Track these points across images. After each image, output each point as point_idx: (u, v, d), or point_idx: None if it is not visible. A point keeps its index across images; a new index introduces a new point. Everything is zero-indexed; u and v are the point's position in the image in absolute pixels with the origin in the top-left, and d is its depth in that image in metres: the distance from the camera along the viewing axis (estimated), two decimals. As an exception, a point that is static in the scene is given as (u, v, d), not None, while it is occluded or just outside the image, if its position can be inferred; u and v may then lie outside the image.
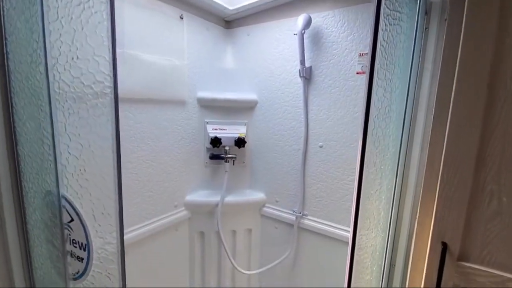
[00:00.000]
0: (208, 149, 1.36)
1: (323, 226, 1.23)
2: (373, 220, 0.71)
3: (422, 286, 0.75)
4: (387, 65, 0.62)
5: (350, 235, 0.66)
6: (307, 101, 1.21)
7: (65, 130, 0.57)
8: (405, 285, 0.85)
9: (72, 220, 0.61)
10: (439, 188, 0.69)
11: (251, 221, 1.45)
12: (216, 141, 1.29)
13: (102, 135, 0.51)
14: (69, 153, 0.58)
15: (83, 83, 0.53)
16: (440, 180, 0.69)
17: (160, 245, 1.23)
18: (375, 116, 0.61)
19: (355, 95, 1.08)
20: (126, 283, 1.10)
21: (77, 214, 0.60)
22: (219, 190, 1.35)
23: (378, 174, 0.69)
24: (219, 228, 1.31)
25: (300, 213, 1.29)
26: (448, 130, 0.67)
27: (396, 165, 0.71)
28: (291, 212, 1.33)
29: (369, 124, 0.58)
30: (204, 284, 1.45)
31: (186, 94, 1.25)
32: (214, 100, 1.33)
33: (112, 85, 0.49)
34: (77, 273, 0.64)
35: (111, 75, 0.49)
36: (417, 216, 0.75)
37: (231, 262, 1.33)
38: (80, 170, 0.56)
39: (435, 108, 0.70)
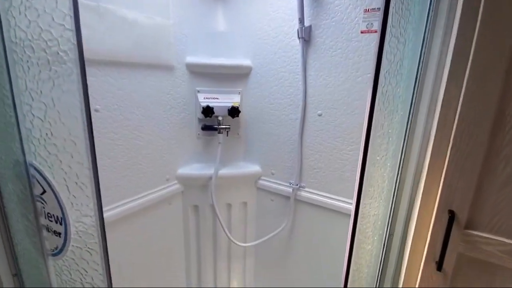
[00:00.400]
0: (200, 119, 1.28)
1: (320, 198, 1.19)
2: (377, 189, 0.66)
3: (424, 255, 0.72)
4: (402, 11, 0.53)
5: (353, 204, 0.61)
6: (306, 65, 1.11)
7: (26, 87, 0.48)
8: (403, 254, 0.83)
9: (44, 191, 0.54)
10: (450, 153, 0.64)
11: (247, 194, 1.41)
12: (208, 111, 1.20)
13: (66, 89, 0.43)
14: (32, 114, 0.50)
15: (40, 27, 0.44)
16: (452, 145, 0.63)
17: (153, 219, 1.19)
18: (386, 71, 0.54)
19: (358, 57, 0.99)
20: (117, 257, 1.07)
21: (49, 185, 0.53)
22: (213, 163, 1.28)
23: (385, 138, 0.62)
24: (214, 202, 1.27)
25: (297, 185, 1.25)
26: (464, 88, 0.60)
27: (404, 130, 0.65)
28: (288, 184, 1.29)
29: (379, 79, 0.51)
30: (200, 257, 1.43)
31: (173, 59, 1.14)
32: (204, 66, 1.23)
33: (73, 27, 0.40)
34: (55, 248, 0.58)
35: (72, 14, 0.39)
36: (423, 183, 0.71)
37: (227, 235, 1.30)
38: (47, 134, 0.48)
39: (451, 63, 0.62)
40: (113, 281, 1.02)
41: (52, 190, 0.52)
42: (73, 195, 0.50)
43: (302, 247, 1.31)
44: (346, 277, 0.67)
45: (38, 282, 0.67)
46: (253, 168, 1.37)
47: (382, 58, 0.49)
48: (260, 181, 1.37)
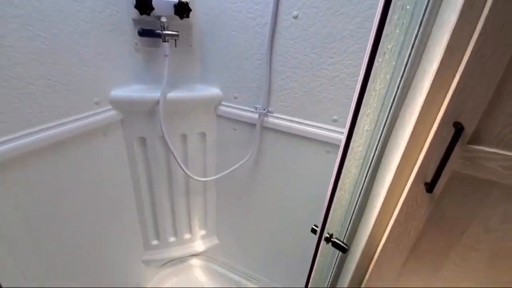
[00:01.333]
0: (135, 21, 0.94)
1: (291, 124, 1.03)
2: (378, 95, 0.50)
3: (413, 176, 0.63)
4: None
5: (350, 115, 0.44)
6: None
7: None
8: (375, 176, 0.73)
9: None
10: (474, 46, 0.48)
11: (205, 122, 1.19)
12: (144, 5, 0.87)
13: None
14: None
15: None
16: (480, 33, 0.47)
17: (84, 154, 0.94)
18: None
19: None
20: (39, 201, 0.82)
21: None
22: (159, 84, 1.01)
23: (401, 18, 0.43)
24: (164, 133, 1.04)
25: (264, 109, 1.06)
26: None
27: (424, 8, 0.46)
28: (253, 109, 1.09)
29: None
30: (153, 194, 1.26)
31: None
32: None
33: None
34: None
35: None
36: (426, 90, 0.56)
37: (183, 170, 1.12)
38: None
39: None
40: (30, 235, 0.79)
41: None
42: None
43: (270, 178, 1.20)
44: (328, 206, 0.55)
45: None
46: (212, 91, 1.13)
47: None
48: (221, 107, 1.16)
